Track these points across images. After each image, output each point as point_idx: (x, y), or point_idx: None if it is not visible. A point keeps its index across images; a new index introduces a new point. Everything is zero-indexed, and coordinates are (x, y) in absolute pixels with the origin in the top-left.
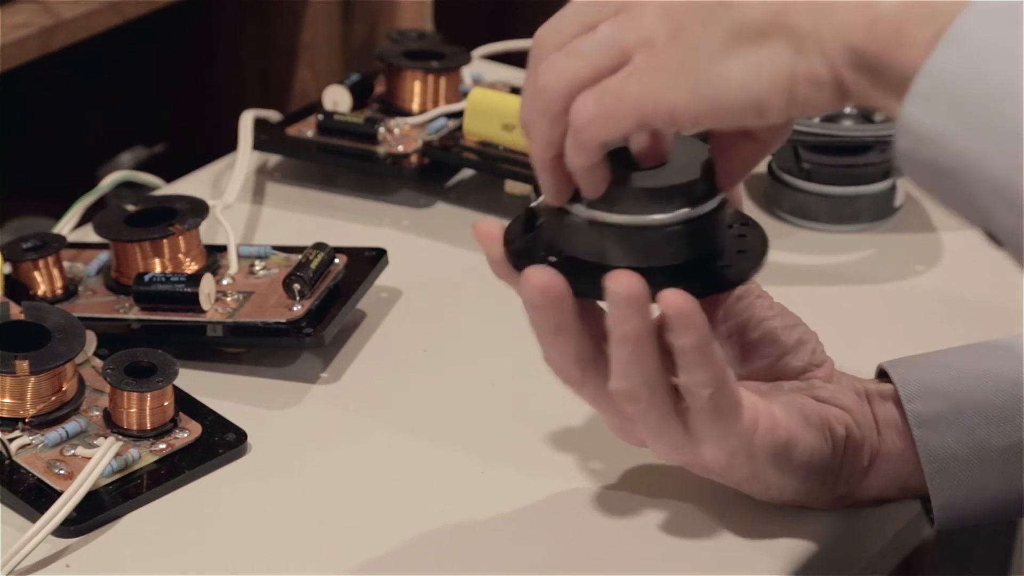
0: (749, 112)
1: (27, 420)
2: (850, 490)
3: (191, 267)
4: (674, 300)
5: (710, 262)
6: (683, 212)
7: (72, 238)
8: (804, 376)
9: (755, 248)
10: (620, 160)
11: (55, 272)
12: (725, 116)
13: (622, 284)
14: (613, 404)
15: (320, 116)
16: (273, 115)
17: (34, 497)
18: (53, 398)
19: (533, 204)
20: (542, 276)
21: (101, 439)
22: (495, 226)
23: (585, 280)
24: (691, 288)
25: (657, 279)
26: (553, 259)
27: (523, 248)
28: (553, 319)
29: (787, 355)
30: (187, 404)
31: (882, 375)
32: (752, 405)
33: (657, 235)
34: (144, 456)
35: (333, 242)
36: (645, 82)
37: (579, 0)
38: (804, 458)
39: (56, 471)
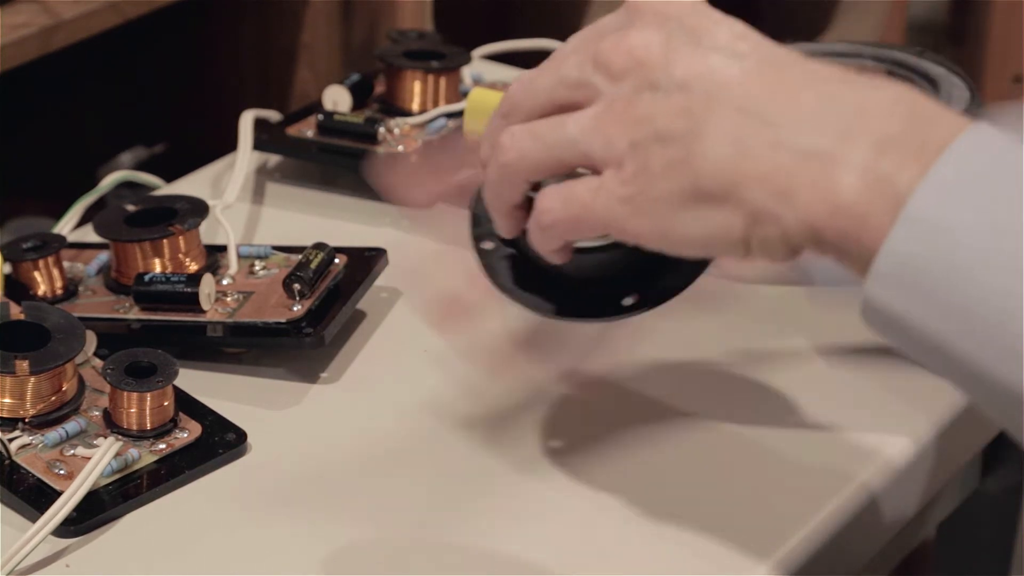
0: (709, 255)
1: (27, 420)
2: None
3: (191, 267)
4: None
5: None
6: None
7: (72, 238)
8: None
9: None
10: None
11: (55, 272)
12: (686, 254)
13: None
14: None
15: (320, 116)
16: (273, 115)
17: (34, 497)
18: (53, 398)
19: None
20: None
21: (101, 439)
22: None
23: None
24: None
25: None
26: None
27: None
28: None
29: None
30: (187, 404)
31: None
32: None
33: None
34: (144, 456)
35: (333, 242)
36: (612, 209)
37: (557, 67)
38: None
39: (56, 471)
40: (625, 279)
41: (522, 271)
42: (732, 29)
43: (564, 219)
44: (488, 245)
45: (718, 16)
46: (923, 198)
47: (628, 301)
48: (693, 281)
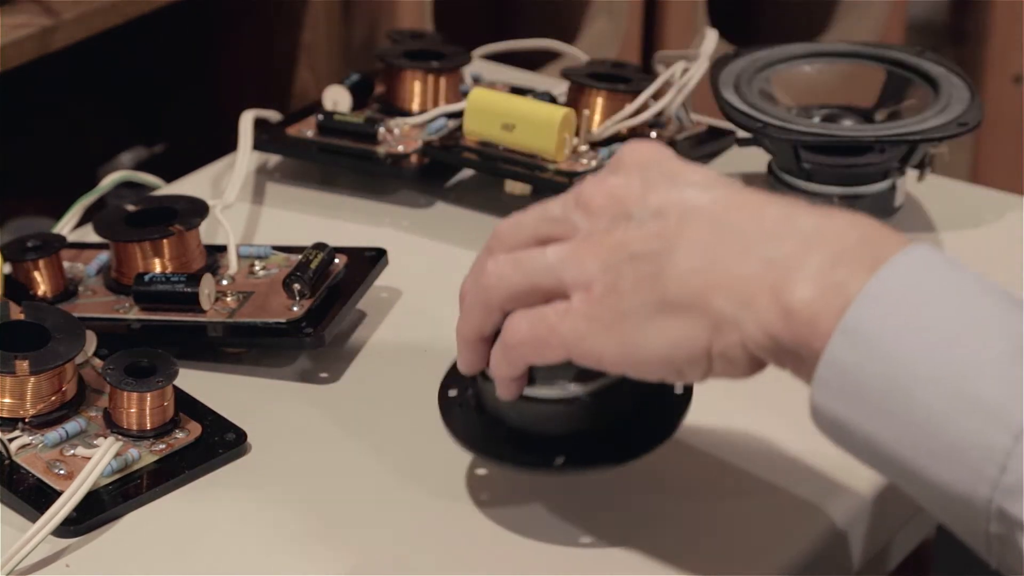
0: (669, 374)
1: (27, 420)
2: None
3: (191, 267)
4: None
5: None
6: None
7: (72, 238)
8: None
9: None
10: None
11: (55, 272)
12: (647, 373)
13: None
14: None
15: (320, 116)
16: (273, 115)
17: (34, 497)
18: (53, 398)
19: None
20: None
21: (101, 439)
22: None
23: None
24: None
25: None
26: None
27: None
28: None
29: None
30: (187, 404)
31: None
32: None
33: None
34: (144, 456)
35: (333, 242)
36: (578, 327)
37: (543, 208)
38: None
39: (56, 471)
40: (564, 436)
41: (474, 418)
42: (703, 172)
43: (530, 339)
44: (453, 392)
45: (691, 164)
46: (860, 309)
47: (558, 461)
48: (629, 459)
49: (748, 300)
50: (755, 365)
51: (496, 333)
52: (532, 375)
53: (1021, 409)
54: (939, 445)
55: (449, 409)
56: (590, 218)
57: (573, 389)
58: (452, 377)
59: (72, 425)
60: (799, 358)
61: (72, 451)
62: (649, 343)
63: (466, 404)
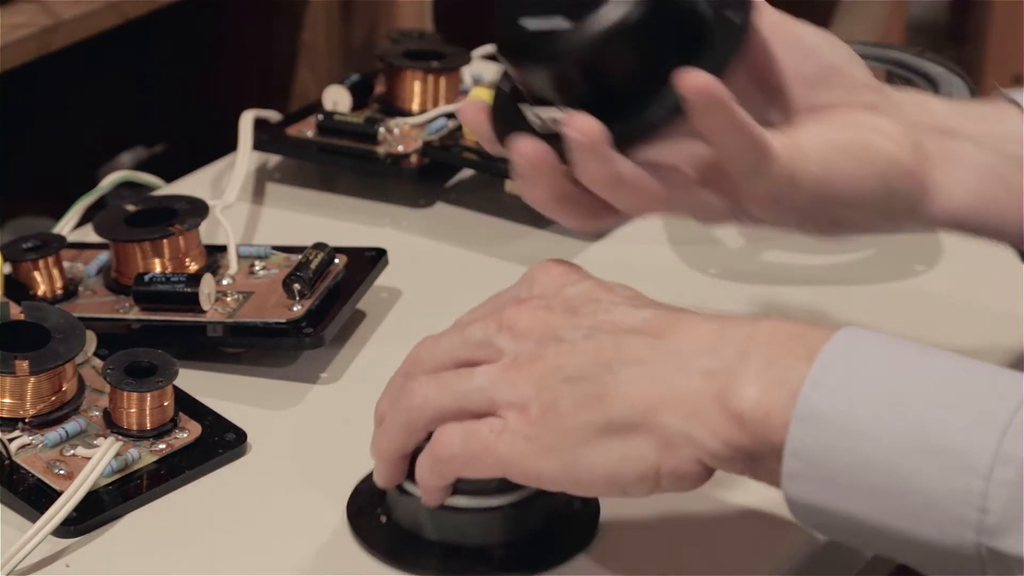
0: (613, 493)
1: (27, 420)
2: (907, 218)
3: (191, 267)
4: (695, 83)
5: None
6: None
7: (72, 238)
8: (840, 108)
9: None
10: None
11: (55, 272)
12: (590, 492)
13: (579, 129)
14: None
15: (320, 116)
16: (273, 115)
17: (34, 497)
18: (53, 398)
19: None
20: (530, 147)
21: (101, 439)
22: (481, 108)
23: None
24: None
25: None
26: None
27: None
28: (547, 189)
29: (812, 90)
30: (187, 404)
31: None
32: (784, 145)
33: None
34: (144, 456)
35: (333, 242)
36: (516, 447)
37: (461, 332)
38: (847, 188)
39: (56, 471)
40: (484, 547)
41: (390, 532)
42: (624, 291)
43: (462, 455)
44: (383, 519)
45: (607, 283)
46: (809, 395)
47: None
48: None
49: (696, 413)
50: (705, 476)
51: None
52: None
53: (983, 448)
54: (916, 504)
55: (364, 526)
56: (516, 341)
57: (496, 500)
58: (361, 495)
59: (72, 425)
60: (757, 458)
61: (72, 451)
62: (595, 463)
63: (378, 518)
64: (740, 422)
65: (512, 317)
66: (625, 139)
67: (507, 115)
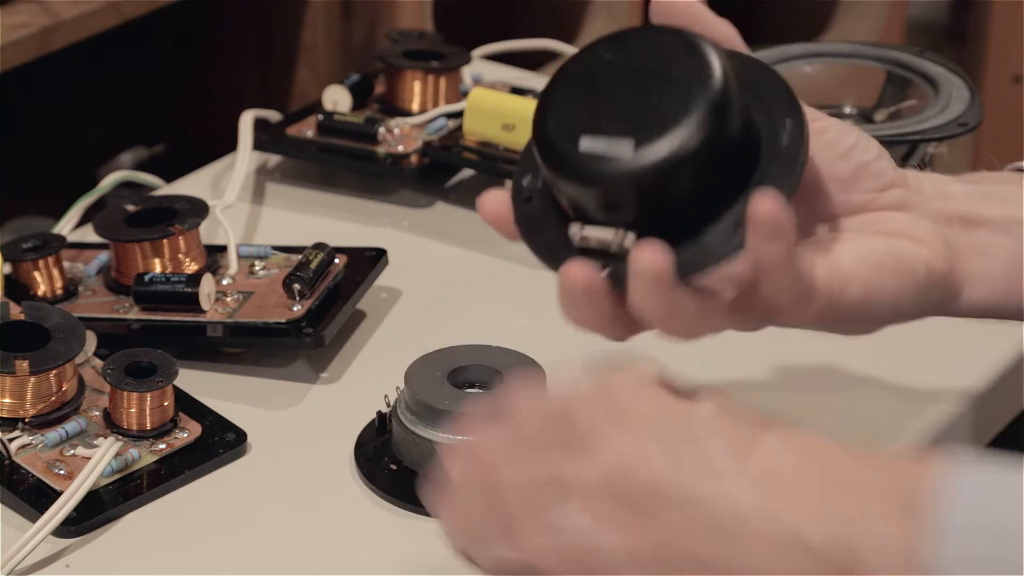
0: None
1: (27, 420)
2: (941, 311)
3: (191, 267)
4: (767, 209)
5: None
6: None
7: (72, 238)
8: (873, 208)
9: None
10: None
11: (55, 272)
12: None
13: (648, 262)
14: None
15: (320, 116)
16: (273, 115)
17: (34, 497)
18: (53, 398)
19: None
20: (583, 274)
21: (101, 439)
22: (502, 203)
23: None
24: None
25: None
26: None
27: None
28: (593, 312)
29: (845, 192)
30: (187, 404)
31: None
32: (824, 276)
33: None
34: (144, 456)
35: (333, 242)
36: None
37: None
38: (883, 305)
39: (56, 471)
40: None
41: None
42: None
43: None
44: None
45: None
46: (938, 555)
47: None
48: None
49: None
50: None
51: None
52: None
53: None
54: None
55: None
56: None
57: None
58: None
59: (72, 425)
60: None
61: (72, 451)
62: None
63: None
64: None
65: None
66: (685, 269)
67: (539, 221)
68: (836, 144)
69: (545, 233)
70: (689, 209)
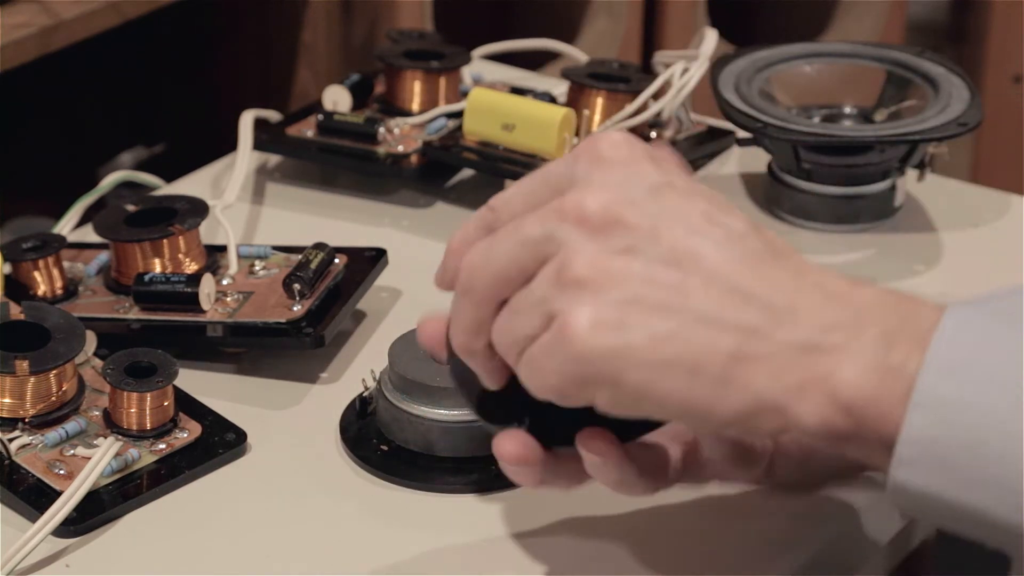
0: (681, 422)
1: (27, 420)
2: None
3: (191, 267)
4: (507, 450)
5: None
6: None
7: (72, 238)
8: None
9: None
10: None
11: (55, 272)
12: (663, 418)
13: (596, 452)
14: None
15: (320, 116)
16: (273, 115)
17: (34, 497)
18: (53, 398)
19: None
20: (514, 448)
21: (101, 439)
22: (439, 329)
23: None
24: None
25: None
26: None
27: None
28: (534, 478)
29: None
30: (187, 404)
31: None
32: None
33: None
34: (144, 456)
35: (333, 242)
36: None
37: (514, 229)
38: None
39: (56, 471)
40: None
41: None
42: (723, 214)
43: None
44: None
45: (701, 191)
46: (927, 382)
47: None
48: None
49: (796, 388)
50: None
51: None
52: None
53: None
54: None
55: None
56: (590, 238)
57: None
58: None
59: (72, 425)
60: (854, 440)
61: (72, 451)
62: (669, 395)
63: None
64: (846, 410)
65: (578, 206)
66: (626, 435)
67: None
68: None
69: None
70: None
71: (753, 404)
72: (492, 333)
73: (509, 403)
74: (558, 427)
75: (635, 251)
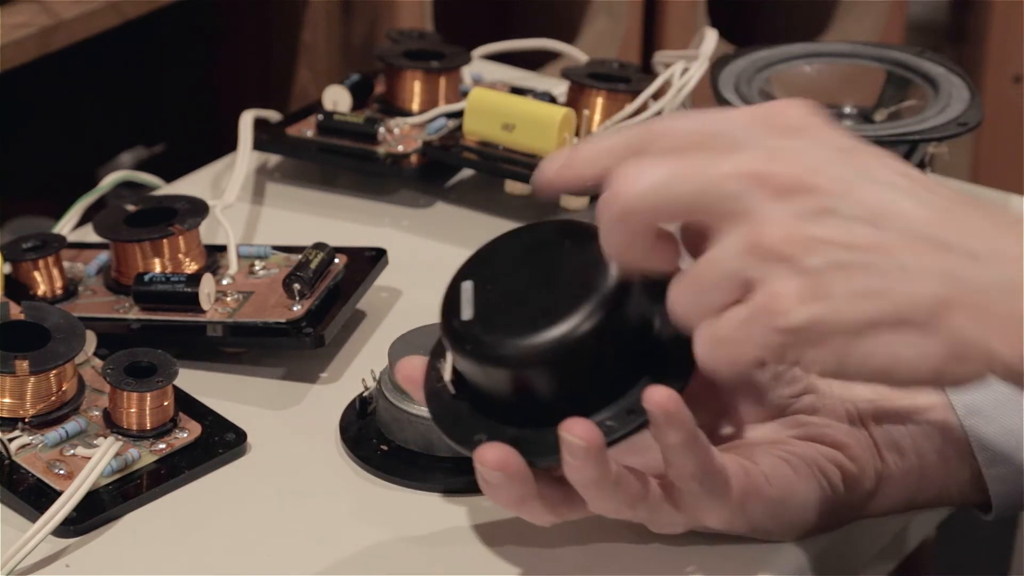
0: (886, 383)
1: (27, 420)
2: (856, 515)
3: (191, 267)
4: (658, 398)
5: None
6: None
7: (72, 238)
8: (788, 412)
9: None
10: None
11: (55, 272)
12: (855, 380)
13: (579, 435)
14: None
15: (320, 116)
16: (273, 115)
17: (34, 497)
18: (53, 398)
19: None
20: (496, 454)
21: (101, 439)
22: (417, 368)
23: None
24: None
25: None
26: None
27: (455, 411)
28: (515, 492)
29: (763, 396)
30: (187, 404)
31: None
32: (738, 472)
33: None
34: (144, 456)
35: (333, 242)
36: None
37: (708, 182)
38: (800, 508)
39: (56, 471)
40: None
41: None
42: (889, 164)
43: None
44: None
45: (873, 148)
46: None
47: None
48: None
49: (1001, 328)
50: (987, 376)
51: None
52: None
53: None
54: None
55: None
56: (781, 201)
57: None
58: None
59: (72, 425)
60: None
61: (72, 451)
62: (868, 358)
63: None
64: None
65: (768, 170)
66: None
67: (450, 407)
68: None
69: (456, 418)
70: (570, 400)
71: (960, 349)
72: (670, 300)
73: (491, 431)
74: (540, 445)
75: (830, 213)
